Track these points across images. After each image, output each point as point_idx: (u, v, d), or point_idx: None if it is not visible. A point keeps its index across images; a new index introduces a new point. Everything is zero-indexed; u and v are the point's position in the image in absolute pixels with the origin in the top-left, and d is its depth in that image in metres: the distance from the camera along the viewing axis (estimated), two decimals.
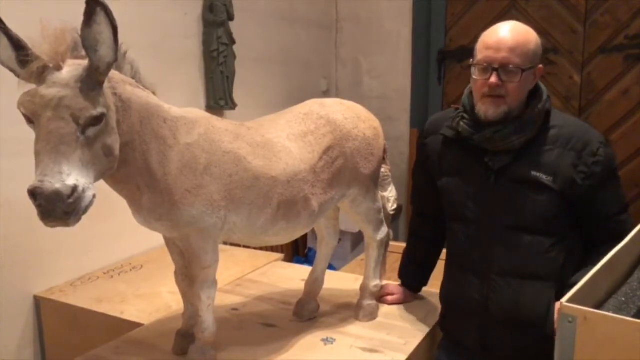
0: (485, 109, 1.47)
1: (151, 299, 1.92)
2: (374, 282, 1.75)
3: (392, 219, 1.90)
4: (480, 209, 1.54)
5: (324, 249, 1.78)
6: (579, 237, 1.54)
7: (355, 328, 1.69)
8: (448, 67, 3.83)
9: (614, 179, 1.50)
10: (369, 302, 1.75)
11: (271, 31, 3.17)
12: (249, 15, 2.92)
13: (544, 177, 1.46)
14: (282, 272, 2.20)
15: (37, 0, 1.80)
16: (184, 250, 1.40)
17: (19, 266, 1.92)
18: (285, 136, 1.48)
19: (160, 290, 1.98)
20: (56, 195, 0.96)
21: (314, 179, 1.49)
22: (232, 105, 2.75)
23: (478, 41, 1.49)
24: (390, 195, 1.83)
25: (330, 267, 2.07)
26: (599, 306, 1.08)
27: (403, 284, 1.89)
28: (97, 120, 1.04)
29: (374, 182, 1.68)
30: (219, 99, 2.68)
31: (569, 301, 0.98)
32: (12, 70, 1.06)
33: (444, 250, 1.76)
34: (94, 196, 1.03)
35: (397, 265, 1.92)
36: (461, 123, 1.54)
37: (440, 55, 3.81)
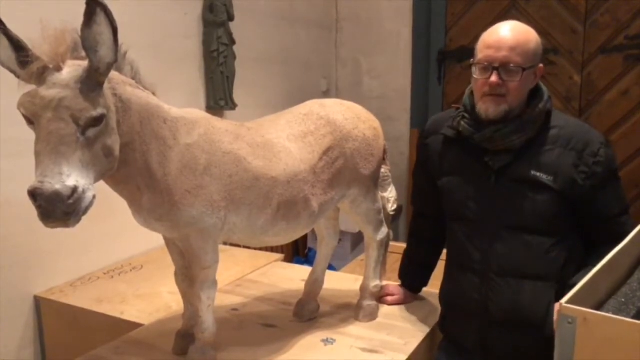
0: (486, 108, 1.47)
1: (151, 299, 1.93)
2: (374, 283, 1.75)
3: (392, 220, 1.90)
4: (481, 209, 1.54)
5: (324, 249, 1.78)
6: (580, 237, 1.54)
7: (356, 328, 1.69)
8: (448, 67, 3.83)
9: (614, 179, 1.50)
10: (369, 302, 1.75)
11: (271, 31, 3.17)
12: (249, 16, 2.92)
13: (544, 177, 1.46)
14: (282, 272, 2.20)
15: (37, 1, 1.80)
16: (184, 251, 1.40)
17: (19, 266, 1.92)
18: (285, 137, 1.48)
19: (160, 291, 1.98)
20: (56, 196, 0.96)
21: (314, 180, 1.49)
22: (232, 106, 2.75)
23: (479, 41, 1.49)
24: (390, 196, 1.83)
25: (330, 267, 2.07)
26: (598, 307, 1.07)
27: (403, 285, 1.89)
28: (97, 121, 1.04)
29: (374, 182, 1.69)
30: (219, 99, 2.68)
31: (568, 302, 0.98)
32: (12, 71, 1.06)
33: (444, 251, 1.77)
34: (94, 197, 1.03)
35: (398, 265, 1.92)
36: (462, 122, 1.55)
37: (440, 55, 3.81)
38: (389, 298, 1.86)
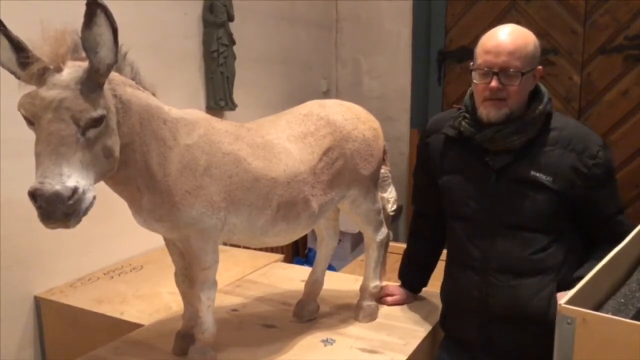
0: (487, 112, 1.49)
1: (151, 299, 1.93)
2: (374, 283, 1.75)
3: (392, 220, 1.91)
4: (481, 208, 1.56)
5: (323, 250, 1.78)
6: (579, 236, 1.57)
7: (355, 329, 1.69)
8: (448, 67, 3.83)
9: (612, 181, 1.54)
10: (368, 303, 1.75)
11: (271, 31, 3.17)
12: (248, 16, 2.92)
13: (543, 177, 1.49)
14: (282, 272, 2.20)
15: (37, 1, 1.80)
16: (184, 251, 1.40)
17: (19, 267, 1.92)
18: (285, 137, 1.49)
19: (160, 291, 1.98)
20: (56, 197, 0.96)
21: (314, 180, 1.49)
22: (232, 106, 2.75)
23: (477, 45, 1.51)
24: (390, 196, 1.83)
25: (330, 267, 2.07)
26: (597, 308, 1.08)
27: (403, 285, 1.89)
28: (97, 121, 1.04)
29: (374, 183, 1.69)
30: (219, 99, 2.68)
31: (568, 302, 0.98)
32: (12, 72, 1.06)
33: (444, 251, 1.77)
34: (94, 197, 1.03)
35: (397, 265, 1.92)
36: (463, 123, 1.57)
37: (440, 55, 3.81)
38: (389, 298, 1.86)
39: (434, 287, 1.86)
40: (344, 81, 3.93)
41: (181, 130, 1.29)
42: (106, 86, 1.09)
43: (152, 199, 1.25)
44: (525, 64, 1.44)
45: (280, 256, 2.42)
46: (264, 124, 1.52)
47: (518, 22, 1.53)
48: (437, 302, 1.77)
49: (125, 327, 1.72)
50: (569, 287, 1.18)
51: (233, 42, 2.70)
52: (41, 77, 1.03)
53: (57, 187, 0.97)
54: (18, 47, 1.03)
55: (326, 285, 1.80)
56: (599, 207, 1.51)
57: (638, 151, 3.34)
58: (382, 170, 1.74)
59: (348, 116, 1.60)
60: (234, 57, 2.73)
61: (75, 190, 0.99)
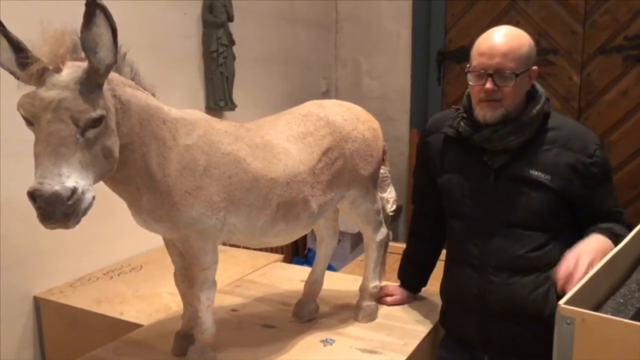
0: (484, 113, 1.51)
1: (151, 299, 1.93)
2: (374, 283, 1.75)
3: (392, 220, 1.91)
4: (480, 207, 1.57)
5: (323, 250, 1.78)
6: (576, 234, 1.56)
7: (355, 329, 1.69)
8: (447, 67, 3.83)
9: (608, 179, 1.56)
10: (368, 303, 1.75)
11: (271, 31, 3.17)
12: (248, 16, 2.92)
13: (542, 176, 1.50)
14: (282, 272, 2.20)
15: (37, 1, 1.80)
16: (183, 252, 1.40)
17: (19, 266, 1.92)
18: (284, 137, 1.49)
19: (159, 291, 1.98)
20: (56, 197, 0.96)
21: (313, 181, 1.49)
22: (232, 106, 2.75)
23: (473, 47, 1.53)
24: (389, 197, 1.83)
25: (330, 267, 2.07)
26: (597, 308, 1.08)
27: (402, 285, 1.89)
28: (97, 122, 1.04)
29: (373, 183, 1.69)
30: (219, 99, 2.68)
31: (567, 303, 0.98)
32: (11, 73, 1.06)
33: (444, 251, 1.77)
34: (94, 198, 1.03)
35: (397, 265, 1.92)
36: (461, 123, 1.58)
37: (440, 55, 3.81)
38: (389, 298, 1.86)
39: (433, 286, 1.86)
40: (344, 81, 3.93)
41: (181, 130, 1.29)
42: (105, 86, 1.09)
43: (152, 199, 1.25)
44: (520, 65, 1.45)
45: (279, 256, 2.42)
46: (263, 124, 1.52)
47: (517, 22, 1.54)
48: (437, 301, 1.77)
49: (124, 327, 1.72)
50: None
51: (233, 42, 2.71)
52: (40, 78, 1.03)
53: (57, 187, 0.97)
54: (17, 47, 1.03)
55: (326, 285, 1.80)
56: (597, 205, 1.53)
57: (637, 151, 3.34)
58: (382, 171, 1.74)
59: (347, 116, 1.60)
60: (234, 57, 2.73)
61: (74, 190, 0.98)
